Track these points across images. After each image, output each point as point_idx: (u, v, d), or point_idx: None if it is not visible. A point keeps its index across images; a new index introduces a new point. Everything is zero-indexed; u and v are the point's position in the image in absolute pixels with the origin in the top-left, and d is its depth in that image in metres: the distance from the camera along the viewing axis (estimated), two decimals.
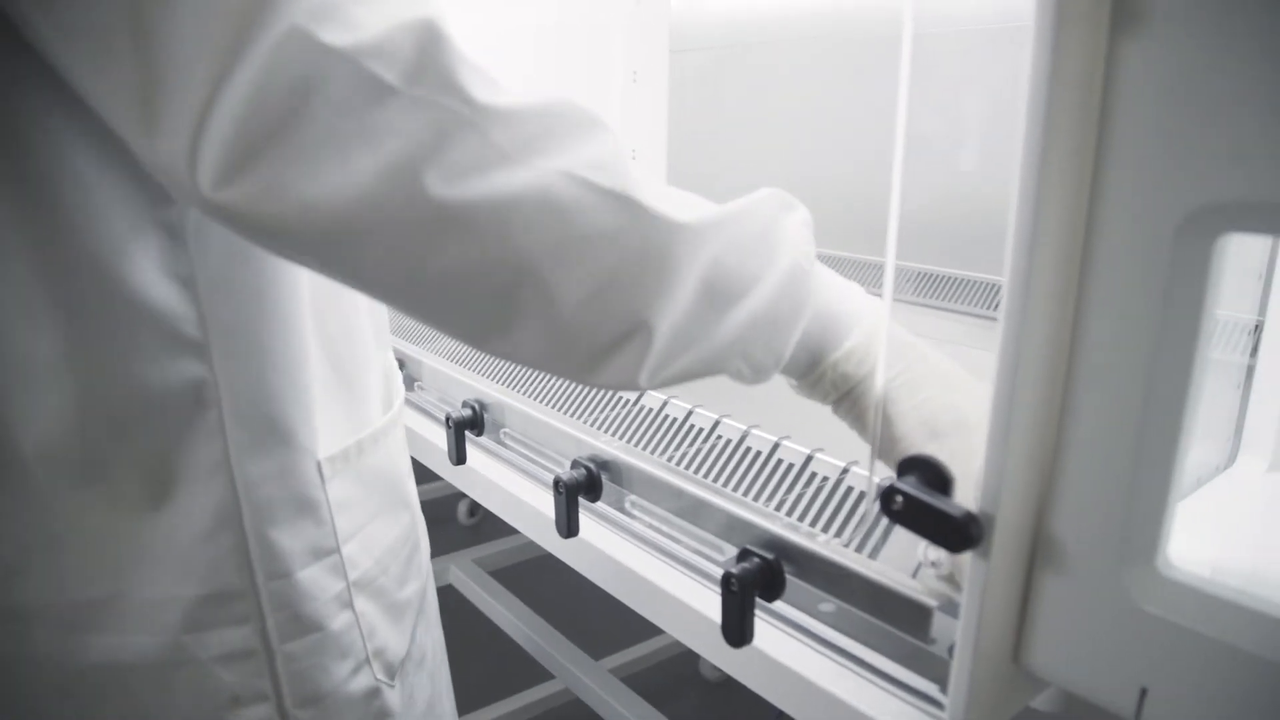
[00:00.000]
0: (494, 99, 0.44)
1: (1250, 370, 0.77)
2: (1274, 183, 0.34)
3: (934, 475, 0.45)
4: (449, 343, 1.30)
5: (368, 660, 0.67)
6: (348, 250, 0.45)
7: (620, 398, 0.97)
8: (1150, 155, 0.37)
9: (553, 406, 1.03)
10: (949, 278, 1.42)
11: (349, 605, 0.65)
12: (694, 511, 0.75)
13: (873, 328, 0.58)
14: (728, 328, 0.52)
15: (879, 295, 0.59)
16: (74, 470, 0.56)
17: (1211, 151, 0.35)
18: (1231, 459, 0.76)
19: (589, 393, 1.04)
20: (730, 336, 0.52)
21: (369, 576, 0.67)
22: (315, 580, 0.63)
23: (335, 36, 0.41)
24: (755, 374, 0.55)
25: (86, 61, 0.45)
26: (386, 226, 0.44)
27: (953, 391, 0.56)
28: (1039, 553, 0.44)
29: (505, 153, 0.44)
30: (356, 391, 0.69)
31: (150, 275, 0.54)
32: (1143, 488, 0.40)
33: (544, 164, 0.45)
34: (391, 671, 0.70)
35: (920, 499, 0.43)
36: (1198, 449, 0.74)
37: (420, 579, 0.76)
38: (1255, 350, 0.76)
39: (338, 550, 0.64)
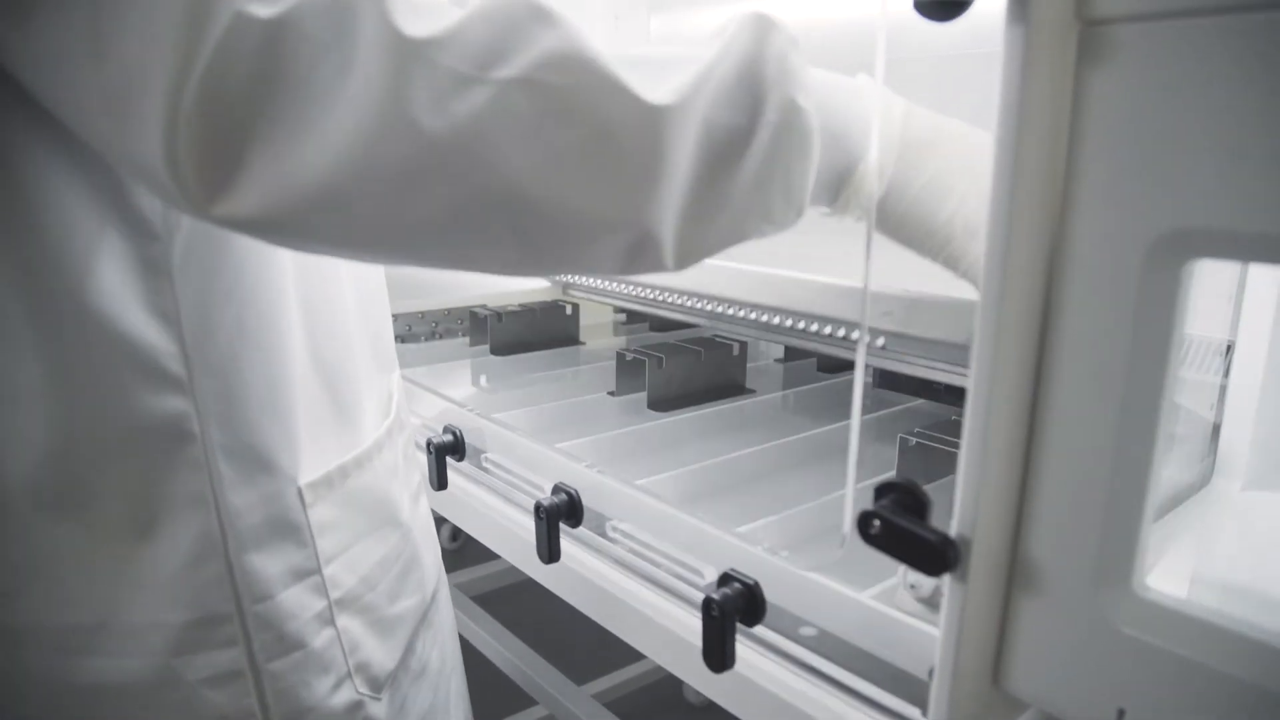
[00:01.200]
0: (432, 28, 0.43)
1: (1223, 390, 0.78)
2: (1239, 211, 0.35)
3: (911, 498, 0.45)
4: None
5: (350, 675, 0.67)
6: (340, 219, 0.44)
7: None
8: (1118, 182, 0.38)
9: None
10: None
11: (330, 622, 0.65)
12: (675, 535, 0.75)
13: (887, 134, 0.54)
14: (737, 194, 0.49)
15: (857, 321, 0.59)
16: (58, 499, 0.56)
17: (1178, 180, 0.36)
18: (1207, 478, 0.77)
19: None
20: (743, 202, 0.49)
21: (354, 594, 0.67)
22: (297, 600, 0.63)
23: (270, 10, 0.41)
24: (780, 227, 0.52)
25: (57, 80, 0.45)
26: (367, 184, 0.43)
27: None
28: (1016, 575, 0.44)
29: (459, 74, 0.43)
30: (350, 415, 0.69)
31: (133, 311, 0.55)
32: (1117, 509, 0.40)
33: (500, 74, 0.43)
34: (377, 685, 0.70)
35: (897, 524, 0.44)
36: (1173, 469, 0.75)
37: (420, 593, 0.76)
38: (1228, 371, 0.77)
39: (319, 571, 0.64)
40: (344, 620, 0.66)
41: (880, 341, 0.89)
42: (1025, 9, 0.37)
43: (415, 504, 0.78)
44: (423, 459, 1.02)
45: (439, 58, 0.43)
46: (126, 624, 0.58)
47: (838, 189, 0.55)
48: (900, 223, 0.55)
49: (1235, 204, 0.35)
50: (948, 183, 0.53)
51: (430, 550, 0.80)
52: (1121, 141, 0.37)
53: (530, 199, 0.45)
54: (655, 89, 0.46)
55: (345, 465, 0.67)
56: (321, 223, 0.44)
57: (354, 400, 0.70)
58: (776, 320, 1.11)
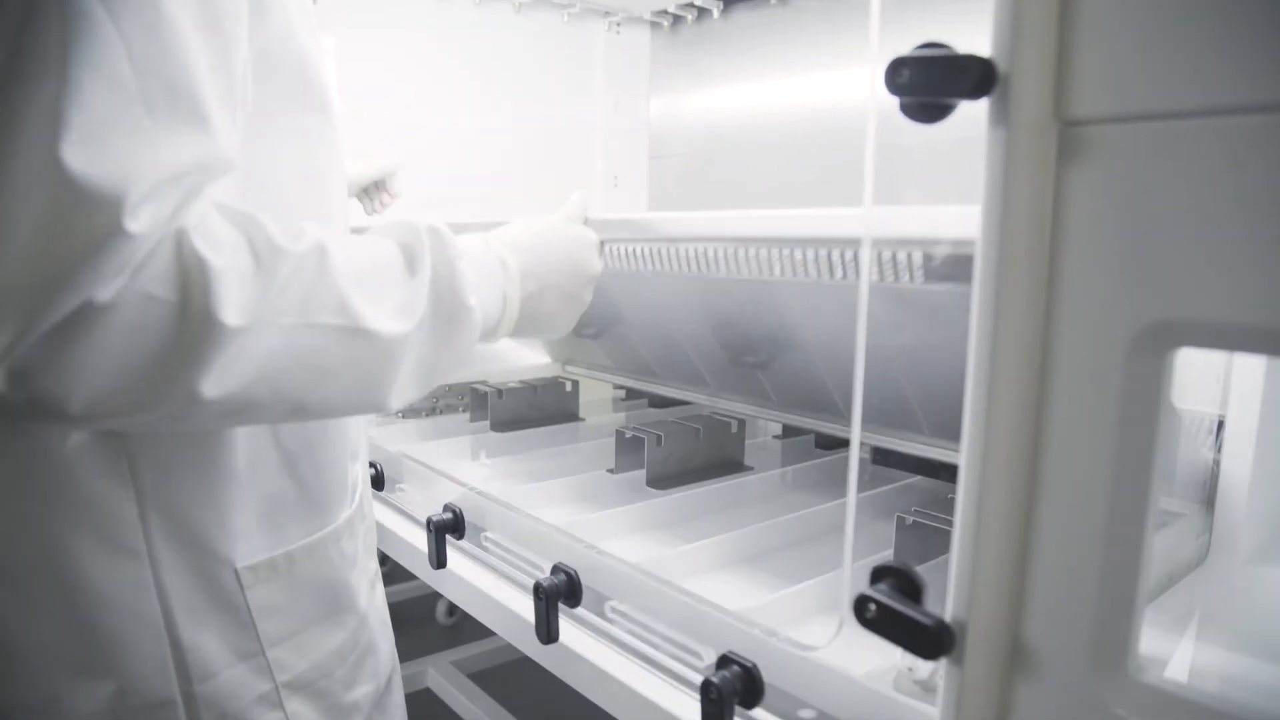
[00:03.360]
0: (242, 319, 0.51)
1: (1217, 465, 0.78)
2: (1219, 303, 0.36)
3: (906, 582, 0.45)
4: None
5: None
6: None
7: None
8: (1101, 275, 0.39)
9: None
10: None
11: (279, 705, 0.67)
12: (674, 616, 0.75)
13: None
14: (439, 374, 0.65)
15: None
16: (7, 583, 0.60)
17: (1159, 273, 0.37)
18: (1204, 555, 0.77)
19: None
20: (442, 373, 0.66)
21: (306, 679, 0.69)
22: (241, 680, 0.65)
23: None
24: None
25: None
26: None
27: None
28: (1013, 659, 0.44)
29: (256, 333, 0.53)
30: (309, 504, 0.71)
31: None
32: (1111, 592, 0.40)
33: (283, 321, 0.55)
34: None
35: (893, 608, 0.44)
36: (1170, 546, 0.75)
37: (375, 681, 0.77)
38: (1221, 446, 0.78)
39: (263, 653, 0.66)
40: (294, 704, 0.68)
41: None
42: (1006, 111, 0.39)
43: (373, 592, 0.80)
44: (421, 536, 1.02)
45: (245, 345, 0.52)
46: (71, 707, 0.61)
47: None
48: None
49: (1215, 296, 0.36)
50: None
51: (385, 638, 0.82)
52: (1103, 236, 0.39)
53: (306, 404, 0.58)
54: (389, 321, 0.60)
55: (293, 552, 0.69)
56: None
57: (319, 489, 0.72)
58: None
